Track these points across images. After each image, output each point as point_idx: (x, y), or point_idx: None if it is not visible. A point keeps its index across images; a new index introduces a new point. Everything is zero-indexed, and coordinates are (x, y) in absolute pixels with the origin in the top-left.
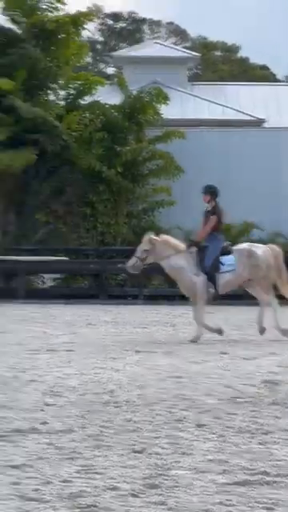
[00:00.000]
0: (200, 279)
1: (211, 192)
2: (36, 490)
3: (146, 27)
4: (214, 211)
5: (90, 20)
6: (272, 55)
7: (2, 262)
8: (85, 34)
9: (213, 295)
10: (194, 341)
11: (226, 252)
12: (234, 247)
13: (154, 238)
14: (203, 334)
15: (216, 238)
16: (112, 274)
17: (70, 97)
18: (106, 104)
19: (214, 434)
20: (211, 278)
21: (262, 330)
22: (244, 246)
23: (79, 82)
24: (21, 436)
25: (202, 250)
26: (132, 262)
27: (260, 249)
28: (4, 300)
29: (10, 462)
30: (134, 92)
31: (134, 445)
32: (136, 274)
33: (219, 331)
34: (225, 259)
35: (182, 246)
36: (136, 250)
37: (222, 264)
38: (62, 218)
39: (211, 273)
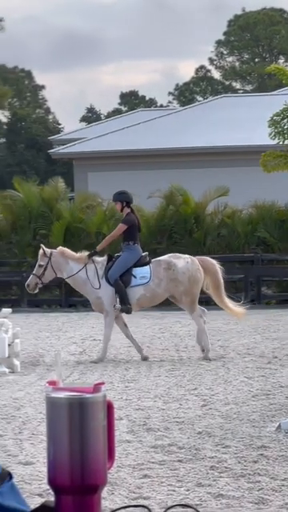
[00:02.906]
0: (105, 293)
1: (121, 199)
2: None
3: None
4: (125, 219)
5: None
6: None
7: None
8: None
9: (124, 311)
10: (96, 362)
11: (144, 263)
12: (154, 259)
13: (49, 250)
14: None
15: (130, 248)
16: None
17: None
18: None
19: None
20: (119, 292)
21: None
22: (164, 257)
23: None
24: None
25: (112, 261)
26: (29, 280)
27: (182, 260)
28: None
29: None
30: None
31: None
32: (35, 293)
33: (143, 357)
34: (138, 271)
35: (83, 256)
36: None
37: (134, 276)
38: None
39: (117, 286)
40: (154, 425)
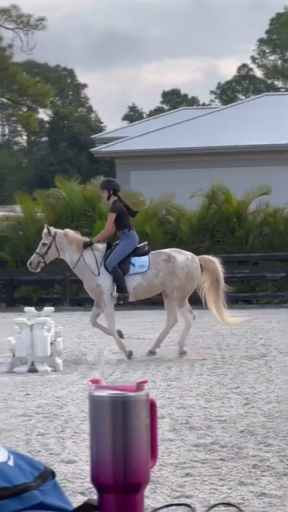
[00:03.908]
0: (105, 280)
1: (108, 187)
2: None
3: None
4: (112, 207)
5: None
6: None
7: None
8: None
9: (121, 298)
10: (128, 356)
11: (143, 253)
12: (154, 251)
13: (54, 229)
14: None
15: (126, 235)
16: None
17: None
18: None
19: None
20: (116, 279)
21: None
22: (165, 250)
23: None
24: None
25: (111, 249)
26: (32, 258)
27: (182, 255)
28: None
29: None
30: None
31: None
32: (36, 271)
33: (128, 354)
34: (137, 260)
35: (80, 243)
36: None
37: (133, 265)
38: None
39: (116, 274)
40: (196, 423)
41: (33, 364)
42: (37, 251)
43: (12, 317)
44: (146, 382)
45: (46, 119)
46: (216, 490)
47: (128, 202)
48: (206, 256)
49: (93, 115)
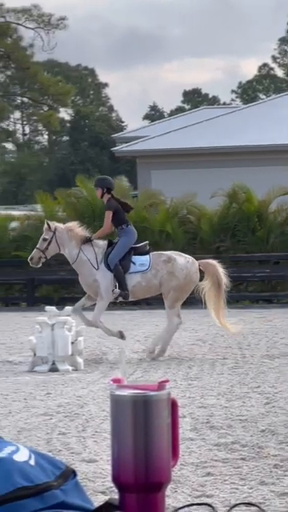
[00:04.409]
0: (102, 276)
1: (102, 185)
2: None
3: None
4: (107, 205)
5: None
6: None
7: None
8: None
9: (121, 296)
10: (121, 336)
11: (144, 252)
12: (155, 251)
13: (55, 224)
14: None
15: (124, 231)
16: None
17: None
18: None
19: None
20: (118, 277)
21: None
22: (166, 252)
23: None
24: None
25: (112, 246)
26: (33, 254)
27: (183, 258)
28: None
29: None
30: None
31: None
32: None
33: (120, 334)
34: (137, 258)
35: (79, 239)
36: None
37: (133, 263)
38: None
39: (117, 271)
40: (217, 423)
41: (54, 363)
42: (37, 246)
43: (33, 316)
44: (167, 381)
45: (66, 118)
46: (237, 489)
47: (149, 202)
48: (206, 260)
49: (114, 114)
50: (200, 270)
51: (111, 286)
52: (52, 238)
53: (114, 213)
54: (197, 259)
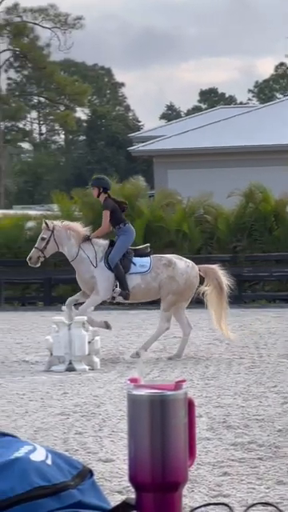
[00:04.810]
0: (100, 274)
1: (99, 185)
2: None
3: None
4: (104, 205)
5: None
6: None
7: None
8: None
9: (122, 295)
10: (107, 326)
11: (144, 254)
12: (155, 254)
13: (53, 222)
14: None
15: (123, 230)
16: None
17: None
18: None
19: None
20: (118, 276)
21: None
22: (167, 255)
23: None
24: None
25: (112, 244)
26: (31, 254)
27: (183, 262)
28: None
29: None
30: None
31: None
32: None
33: (106, 325)
34: (138, 260)
35: (80, 237)
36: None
37: (134, 264)
38: None
39: (118, 270)
40: (233, 422)
41: (70, 363)
42: (36, 246)
43: (50, 316)
44: (184, 380)
45: (83, 118)
46: (254, 489)
47: (165, 201)
48: (206, 265)
49: (130, 114)
50: (200, 275)
51: (111, 285)
52: (50, 236)
53: (112, 212)
54: (212, 260)
